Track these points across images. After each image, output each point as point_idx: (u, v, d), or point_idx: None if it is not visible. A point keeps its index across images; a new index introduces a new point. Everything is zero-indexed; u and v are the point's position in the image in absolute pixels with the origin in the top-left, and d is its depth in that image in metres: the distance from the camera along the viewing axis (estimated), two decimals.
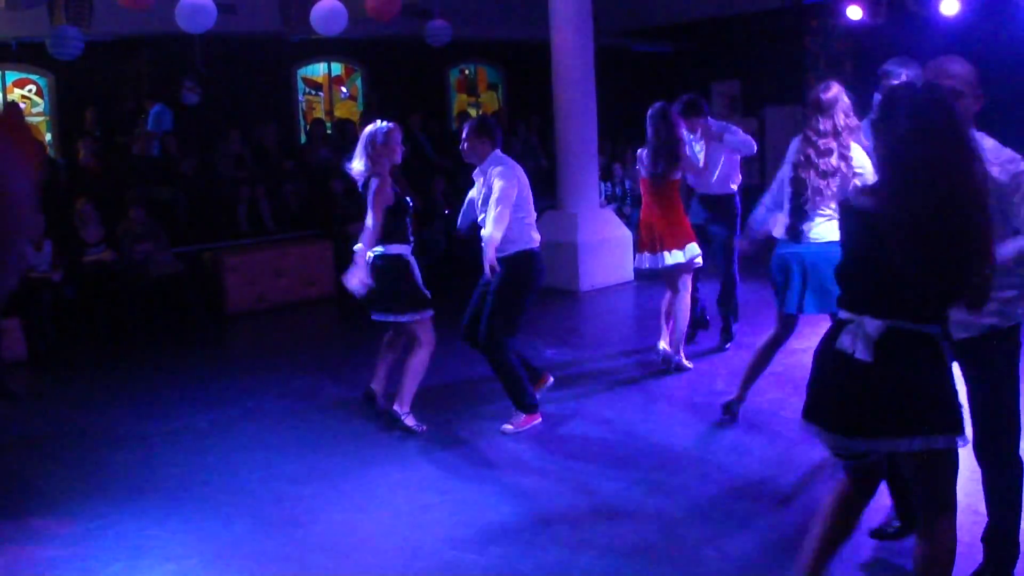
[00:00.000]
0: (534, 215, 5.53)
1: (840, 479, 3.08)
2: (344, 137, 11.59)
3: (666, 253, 6.39)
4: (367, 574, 3.91)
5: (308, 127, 13.61)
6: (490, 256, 5.21)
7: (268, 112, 12.78)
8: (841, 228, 2.96)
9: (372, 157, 5.39)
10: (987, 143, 3.44)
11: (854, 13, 11.26)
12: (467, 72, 16.52)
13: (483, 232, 5.28)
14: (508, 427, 5.48)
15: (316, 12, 9.27)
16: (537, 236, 5.50)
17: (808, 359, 3.04)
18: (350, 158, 5.54)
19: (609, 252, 9.72)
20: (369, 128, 5.54)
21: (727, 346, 6.96)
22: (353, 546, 4.15)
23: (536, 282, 5.49)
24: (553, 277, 9.51)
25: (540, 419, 5.57)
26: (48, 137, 12.38)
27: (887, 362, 2.71)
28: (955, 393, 2.77)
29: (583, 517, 4.31)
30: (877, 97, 3.06)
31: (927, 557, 2.88)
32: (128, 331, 8.45)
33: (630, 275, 9.47)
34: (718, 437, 5.25)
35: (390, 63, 14.51)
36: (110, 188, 9.86)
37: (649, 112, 6.43)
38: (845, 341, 2.78)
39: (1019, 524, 3.44)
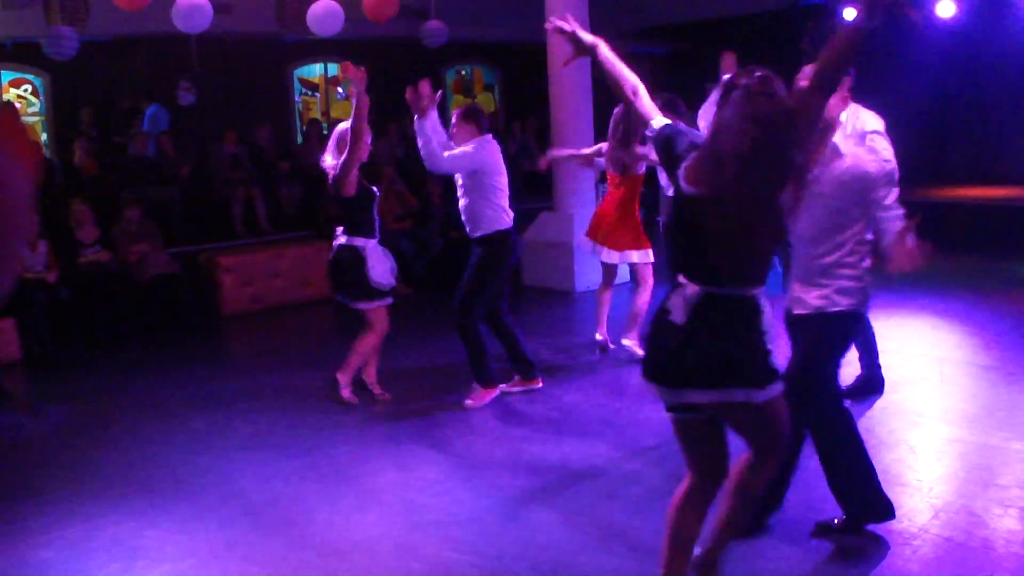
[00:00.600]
0: (506, 197, 5.88)
1: (685, 477, 3.23)
2: None
3: (604, 250, 6.81)
4: (362, 575, 3.91)
5: (304, 128, 13.61)
6: (421, 130, 5.60)
7: (264, 113, 12.78)
8: (672, 203, 3.21)
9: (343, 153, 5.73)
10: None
11: (850, 15, 11.28)
12: (463, 73, 16.54)
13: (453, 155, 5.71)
14: (469, 402, 5.91)
15: (312, 13, 9.25)
16: (510, 214, 5.91)
17: None
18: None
19: None
20: (342, 126, 5.90)
21: None
22: (348, 547, 4.14)
23: (511, 259, 5.91)
24: (549, 278, 9.55)
25: (498, 392, 6.00)
26: (44, 137, 12.37)
27: (701, 322, 2.96)
28: (767, 352, 3.00)
29: (579, 518, 4.30)
30: (724, 79, 3.24)
31: (738, 486, 3.19)
32: (123, 332, 8.43)
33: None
34: None
35: (386, 64, 14.50)
36: (106, 188, 9.86)
37: (615, 110, 6.66)
38: (670, 302, 3.05)
39: (794, 468, 3.91)
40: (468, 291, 5.81)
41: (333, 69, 15.02)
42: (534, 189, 12.20)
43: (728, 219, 2.88)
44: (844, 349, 3.89)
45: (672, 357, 2.99)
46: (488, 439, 5.42)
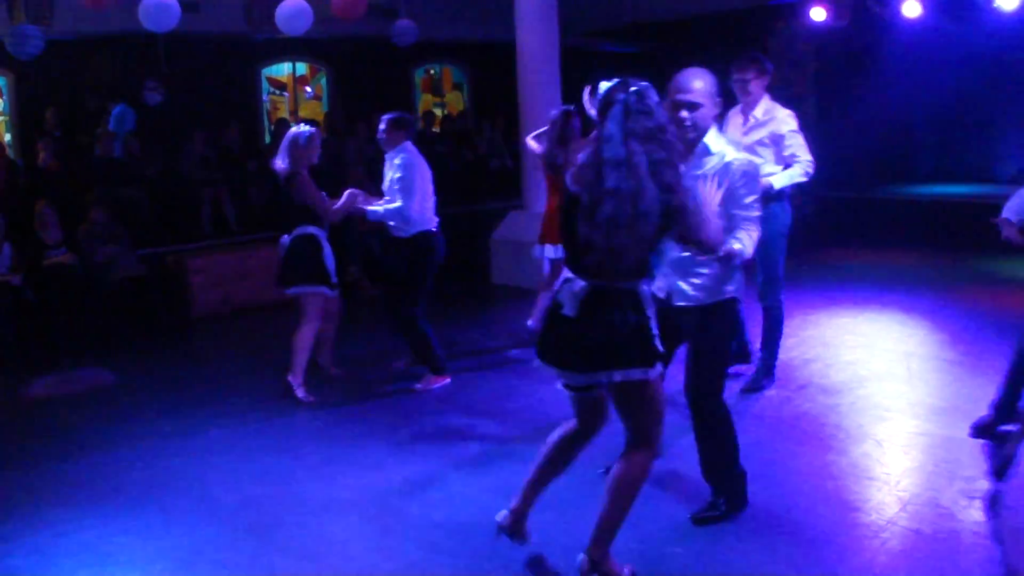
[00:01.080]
0: (432, 200, 6.29)
1: (570, 421, 3.71)
2: None
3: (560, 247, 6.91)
4: None
5: (272, 127, 13.51)
6: (380, 215, 6.17)
7: (232, 112, 12.67)
8: (560, 203, 3.46)
9: (294, 157, 6.00)
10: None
11: (818, 15, 11.38)
12: (432, 72, 16.51)
13: (392, 205, 6.16)
14: (418, 385, 6.26)
15: (281, 11, 9.18)
16: (435, 219, 6.28)
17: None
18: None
19: None
20: (293, 130, 6.17)
21: None
22: (320, 549, 4.12)
23: (436, 258, 6.25)
24: (518, 276, 9.53)
25: (449, 380, 6.29)
26: (7, 138, 12.20)
27: (589, 313, 3.29)
28: (651, 336, 3.33)
29: (553, 517, 4.31)
30: (602, 85, 3.40)
31: (617, 478, 3.53)
32: (91, 335, 8.32)
33: None
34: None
35: (355, 63, 14.44)
36: (71, 189, 9.73)
37: (553, 112, 6.86)
38: (561, 295, 3.38)
39: (734, 457, 4.11)
40: (403, 291, 6.23)
41: (302, 68, 14.94)
42: (503, 188, 12.20)
43: (608, 221, 3.14)
44: (732, 335, 4.19)
45: (568, 345, 3.35)
46: (458, 437, 5.42)
